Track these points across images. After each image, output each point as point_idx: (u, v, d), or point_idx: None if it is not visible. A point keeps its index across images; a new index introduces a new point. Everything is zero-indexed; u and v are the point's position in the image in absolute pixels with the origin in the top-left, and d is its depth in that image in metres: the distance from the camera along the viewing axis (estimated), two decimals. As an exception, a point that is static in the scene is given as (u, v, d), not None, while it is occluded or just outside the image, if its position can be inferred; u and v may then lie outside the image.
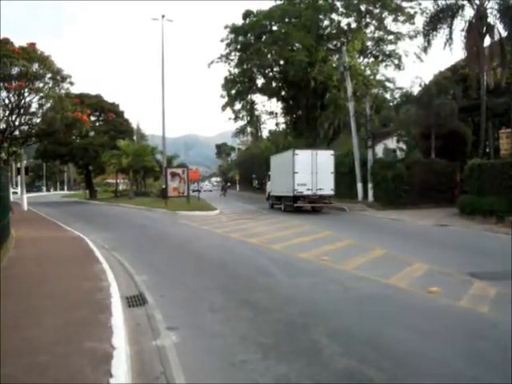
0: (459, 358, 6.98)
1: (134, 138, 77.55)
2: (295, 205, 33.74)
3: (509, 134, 28.15)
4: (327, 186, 33.43)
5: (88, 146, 60.97)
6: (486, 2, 34.50)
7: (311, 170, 33.10)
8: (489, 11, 34.42)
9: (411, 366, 6.77)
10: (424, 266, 13.64)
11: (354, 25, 60.80)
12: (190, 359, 6.99)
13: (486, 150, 32.87)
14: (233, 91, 67.58)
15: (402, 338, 7.85)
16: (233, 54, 65.10)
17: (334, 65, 57.56)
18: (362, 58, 63.83)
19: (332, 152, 34.99)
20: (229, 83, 67.28)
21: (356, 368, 6.52)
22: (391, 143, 41.47)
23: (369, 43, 63.55)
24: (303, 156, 33.42)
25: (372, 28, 61.84)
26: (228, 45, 64.38)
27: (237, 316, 9.07)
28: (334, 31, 60.69)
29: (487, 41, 34.64)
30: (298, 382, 6.15)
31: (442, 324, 8.66)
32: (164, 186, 43.28)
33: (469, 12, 35.41)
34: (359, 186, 39.15)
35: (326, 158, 33.68)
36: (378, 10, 58.61)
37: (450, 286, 11.44)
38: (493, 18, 34.28)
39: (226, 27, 63.66)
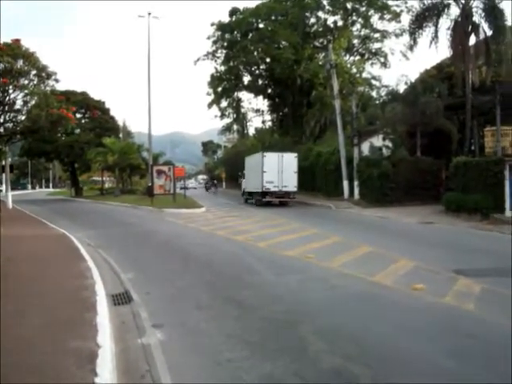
0: (444, 354, 7.03)
1: (120, 135, 77.10)
2: (264, 199, 37.85)
3: (493, 132, 28.31)
4: (291, 184, 37.71)
5: (74, 143, 60.64)
6: (472, 1, 34.66)
7: (278, 169, 37.44)
8: (474, 10, 34.59)
9: (396, 362, 6.82)
10: (409, 264, 13.73)
11: (340, 23, 61.02)
12: (175, 357, 6.99)
13: (472, 148, 33.04)
14: (219, 89, 67.53)
15: (387, 336, 7.90)
16: (219, 51, 65.15)
17: (320, 63, 57.68)
18: (348, 56, 64.00)
19: (296, 154, 39.04)
20: (215, 81, 67.23)
21: (341, 365, 6.56)
22: (377, 141, 41.50)
23: (355, 41, 63.73)
24: (271, 157, 37.93)
25: (358, 26, 62.12)
26: (214, 42, 64.37)
27: (223, 314, 9.07)
28: (321, 29, 60.74)
29: (472, 40, 34.85)
30: (284, 379, 6.16)
31: (427, 321, 8.74)
32: (150, 184, 43.08)
33: (454, 11, 35.57)
34: (345, 183, 39.22)
35: (290, 160, 38.05)
36: (364, 8, 58.87)
37: (435, 283, 11.54)
38: (478, 17, 34.50)
39: (212, 25, 63.64)
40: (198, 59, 66.19)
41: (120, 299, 10.21)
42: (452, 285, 11.24)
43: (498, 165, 25.41)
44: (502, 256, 15.60)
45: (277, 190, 37.46)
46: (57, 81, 30.17)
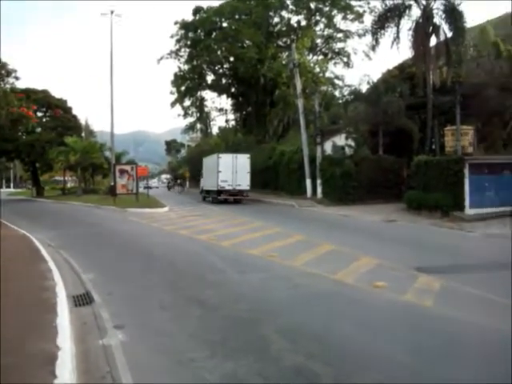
0: (404, 351, 7.11)
1: (83, 134, 76.04)
2: (219, 197, 40.06)
3: (453, 131, 28.71)
4: (244, 183, 40.10)
5: (35, 142, 59.56)
6: (432, 3, 35.17)
7: (232, 169, 39.83)
8: (435, 12, 35.11)
9: (358, 360, 6.86)
10: (371, 261, 13.86)
11: (303, 22, 61.33)
12: (136, 358, 6.94)
13: (432, 147, 33.50)
14: (182, 88, 67.08)
15: (349, 334, 7.96)
16: (183, 50, 64.76)
17: (283, 62, 57.90)
18: (311, 56, 64.31)
19: (248, 156, 41.12)
20: (178, 79, 66.83)
21: (303, 364, 6.58)
22: (340, 140, 41.80)
23: (318, 41, 64.06)
24: (226, 158, 40.55)
25: (322, 26, 62.44)
26: (178, 41, 63.99)
27: (185, 314, 9.04)
28: (284, 28, 61.00)
29: (433, 41, 35.39)
30: (247, 379, 6.16)
31: (388, 318, 8.86)
32: (112, 183, 42.69)
33: (416, 12, 36.07)
34: (308, 182, 39.39)
35: (243, 161, 40.45)
36: (327, 8, 59.17)
37: (396, 280, 11.66)
38: (438, 19, 35.05)
39: (175, 23, 63.29)
40: (162, 58, 65.87)
41: (81, 300, 10.08)
42: (413, 282, 11.39)
43: (458, 163, 25.83)
44: (462, 253, 15.92)
45: (231, 188, 39.80)
46: (17, 78, 29.84)
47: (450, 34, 35.00)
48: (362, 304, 9.78)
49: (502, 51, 43.90)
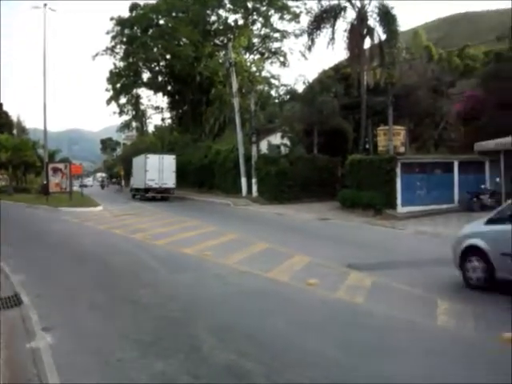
0: (336, 347, 7.23)
1: (14, 131, 74.10)
2: (147, 195, 42.61)
3: (386, 131, 29.31)
4: (170, 181, 42.74)
5: (-38, 139, 57.73)
6: (367, 6, 35.81)
7: (158, 169, 42.18)
8: (369, 14, 35.80)
9: (290, 357, 6.92)
10: (305, 259, 14.02)
11: (241, 21, 61.36)
12: (65, 360, 6.80)
13: (366, 147, 34.06)
14: (118, 85, 66.04)
15: (281, 331, 8.01)
16: (118, 46, 63.73)
17: (220, 60, 57.74)
18: (248, 55, 64.38)
19: (174, 156, 44.16)
20: (114, 77, 65.74)
21: (235, 362, 6.59)
22: (275, 139, 42.13)
23: (255, 40, 64.14)
24: (153, 159, 43.03)
25: (259, 25, 62.61)
26: (113, 37, 62.90)
27: (117, 314, 8.95)
28: (221, 27, 60.89)
29: (368, 42, 36.09)
30: (176, 377, 6.14)
31: (320, 315, 8.97)
32: (45, 182, 41.69)
33: (351, 14, 36.71)
34: (243, 181, 39.44)
35: (169, 161, 43.13)
36: (264, 8, 59.38)
37: (329, 277, 11.81)
38: (373, 21, 35.76)
39: (111, 19, 62.20)
40: (97, 54, 64.55)
41: (9, 302, 9.79)
42: (345, 279, 11.57)
43: (390, 163, 26.38)
44: (393, 250, 16.29)
45: (157, 186, 42.24)
46: None
47: (383, 37, 35.79)
48: (294, 302, 9.88)
49: (433, 54, 45.27)
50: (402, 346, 7.45)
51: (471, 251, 10.87)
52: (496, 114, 29.13)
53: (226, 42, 56.67)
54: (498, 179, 26.37)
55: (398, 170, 26.04)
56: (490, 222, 10.93)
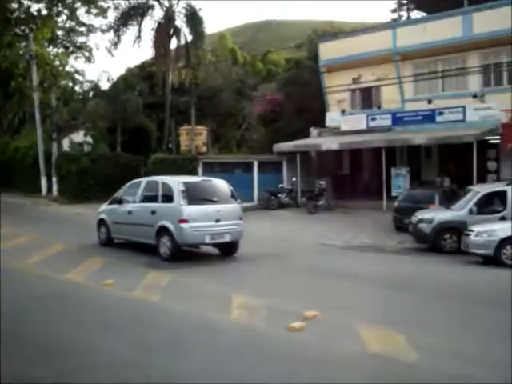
0: (131, 347, 7.20)
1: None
2: None
3: (188, 130, 29.70)
4: None
5: None
6: (175, 6, 36.03)
7: None
8: (176, 15, 36.17)
9: (82, 359, 6.72)
10: (101, 260, 14.04)
11: (44, 11, 58.44)
12: None
13: (169, 146, 34.24)
14: None
15: (74, 334, 7.82)
16: None
17: (21, 52, 54.78)
18: (51, 48, 61.65)
19: None
20: None
21: (21, 371, 6.16)
22: (78, 136, 40.78)
23: (59, 33, 61.39)
24: None
25: (64, 17, 59.88)
26: None
27: None
28: (23, 16, 57.66)
29: (174, 43, 36.36)
30: None
31: (116, 315, 8.93)
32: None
33: (158, 13, 36.72)
34: (43, 179, 37.55)
35: None
36: (70, 0, 57.26)
37: (126, 277, 11.84)
38: (180, 22, 36.09)
39: None
40: None
41: None
42: (142, 278, 11.60)
43: (193, 162, 26.83)
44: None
45: None
46: None
47: (190, 38, 36.22)
48: (90, 303, 9.70)
49: (238, 58, 46.49)
50: (196, 343, 7.44)
51: (101, 221, 17.45)
52: (294, 117, 30.58)
53: (27, 32, 53.82)
54: (294, 179, 27.78)
55: (200, 169, 26.46)
56: (110, 203, 18.01)
